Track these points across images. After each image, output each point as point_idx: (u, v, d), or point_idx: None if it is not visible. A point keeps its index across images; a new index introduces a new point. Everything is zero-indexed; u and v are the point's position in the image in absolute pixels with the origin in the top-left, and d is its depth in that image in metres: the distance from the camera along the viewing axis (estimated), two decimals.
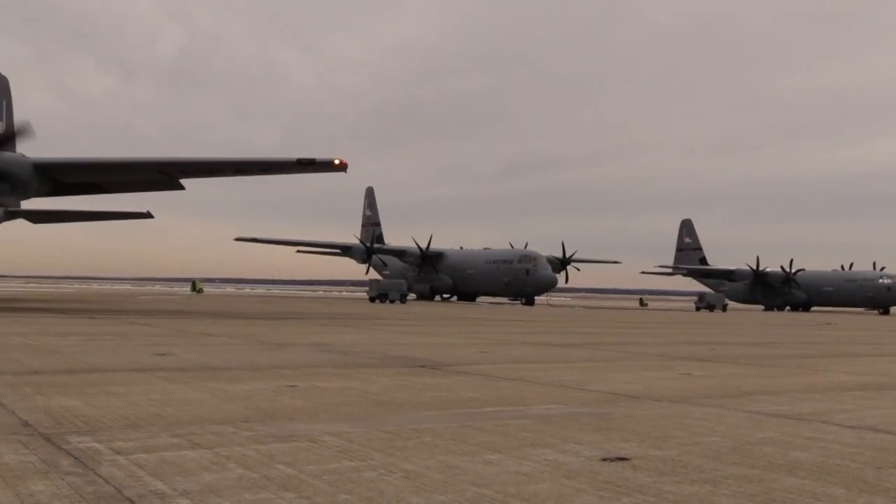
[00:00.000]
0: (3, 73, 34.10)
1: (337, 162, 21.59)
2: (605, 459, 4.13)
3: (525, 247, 64.70)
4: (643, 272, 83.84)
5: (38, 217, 34.39)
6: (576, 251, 66.81)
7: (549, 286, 62.73)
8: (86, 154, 24.32)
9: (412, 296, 63.98)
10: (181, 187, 24.73)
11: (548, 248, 65.45)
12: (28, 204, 34.04)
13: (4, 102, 33.59)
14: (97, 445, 4.14)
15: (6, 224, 32.68)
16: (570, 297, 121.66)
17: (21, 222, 34.97)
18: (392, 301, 50.77)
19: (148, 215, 32.29)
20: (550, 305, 59.61)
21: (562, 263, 65.43)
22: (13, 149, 23.22)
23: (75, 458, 3.84)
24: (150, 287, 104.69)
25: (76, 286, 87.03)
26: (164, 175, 23.31)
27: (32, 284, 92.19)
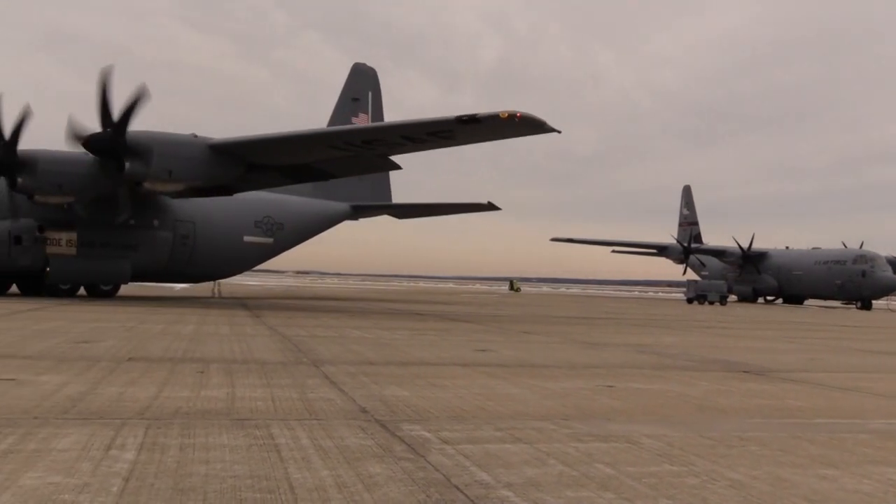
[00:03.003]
0: (371, 66, 35.53)
1: (504, 115, 18.34)
2: None
3: (860, 246, 59.64)
4: None
5: (397, 211, 35.08)
6: None
7: (889, 289, 57.29)
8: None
9: (732, 297, 61.40)
10: (396, 166, 23.91)
11: (888, 248, 59.87)
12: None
13: (370, 94, 35.47)
14: (426, 434, 4.39)
15: (346, 223, 33.64)
16: None
17: (386, 218, 35.58)
18: (711, 303, 49.05)
19: (490, 207, 32.61)
20: (891, 311, 54.42)
21: None
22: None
23: (407, 444, 4.10)
24: (470, 286, 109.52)
25: (405, 284, 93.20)
26: (334, 148, 21.74)
27: (368, 282, 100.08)
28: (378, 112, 35.13)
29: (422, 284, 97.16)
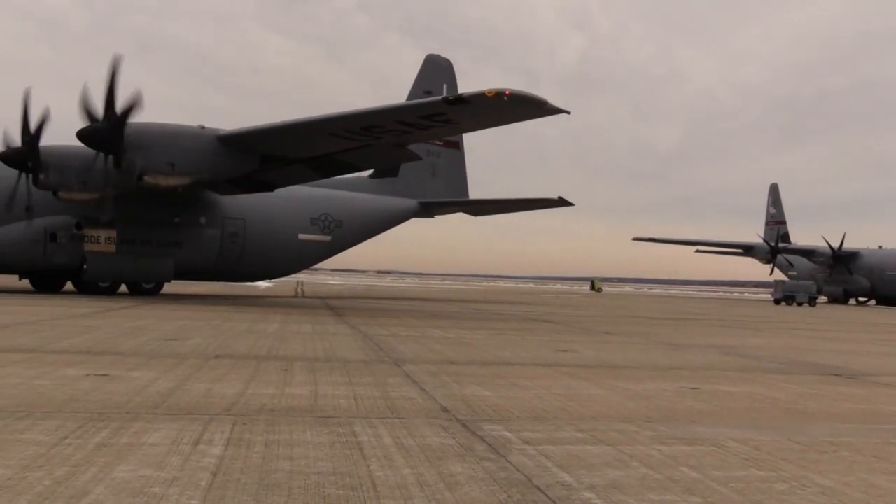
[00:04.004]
0: (446, 58, 34.16)
1: (491, 94, 17.09)
2: None
3: None
4: None
5: (469, 208, 33.95)
6: None
7: None
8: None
9: (822, 298, 59.67)
10: (416, 157, 23.17)
11: None
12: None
13: (445, 87, 34.65)
14: (507, 434, 4.38)
15: (414, 221, 32.62)
16: None
17: (461, 215, 34.37)
18: (799, 304, 47.75)
19: (562, 202, 31.75)
20: None
21: None
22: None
23: (488, 444, 4.10)
24: (550, 286, 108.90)
25: (485, 284, 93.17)
26: (337, 136, 20.46)
27: (447, 282, 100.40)
28: None
29: (501, 284, 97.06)
